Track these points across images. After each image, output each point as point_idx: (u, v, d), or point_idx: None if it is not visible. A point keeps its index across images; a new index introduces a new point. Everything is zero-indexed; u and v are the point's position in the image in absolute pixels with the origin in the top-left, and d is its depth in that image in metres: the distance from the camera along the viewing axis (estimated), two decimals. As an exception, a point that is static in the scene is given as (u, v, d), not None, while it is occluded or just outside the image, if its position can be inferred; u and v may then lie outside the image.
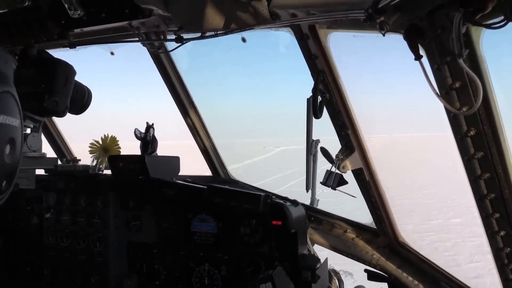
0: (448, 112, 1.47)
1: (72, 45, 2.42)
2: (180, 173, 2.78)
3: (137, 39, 2.40)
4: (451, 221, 13.01)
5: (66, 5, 1.97)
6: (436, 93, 1.43)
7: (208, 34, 2.03)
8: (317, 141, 2.44)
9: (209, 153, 2.89)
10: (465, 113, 1.38)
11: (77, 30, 2.23)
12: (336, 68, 1.94)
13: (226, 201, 2.30)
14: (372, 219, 2.46)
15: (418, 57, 1.39)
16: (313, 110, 1.94)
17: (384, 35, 1.36)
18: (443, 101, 1.42)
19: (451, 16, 1.16)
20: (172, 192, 2.49)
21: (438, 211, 14.45)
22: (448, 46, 1.26)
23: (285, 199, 2.46)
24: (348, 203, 2.53)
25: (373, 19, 1.18)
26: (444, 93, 1.41)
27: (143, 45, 2.44)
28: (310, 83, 2.06)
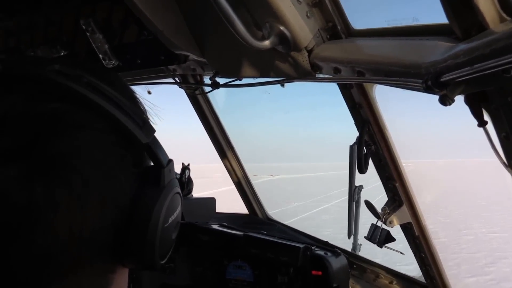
0: (517, 183, 1.28)
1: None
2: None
3: (173, 81, 2.35)
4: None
5: (100, 56, 1.94)
6: (504, 163, 1.25)
7: (245, 82, 1.94)
8: (360, 187, 2.28)
9: (247, 193, 2.79)
10: (540, 190, 1.19)
11: (112, 73, 2.22)
12: (382, 119, 1.78)
13: (263, 253, 2.19)
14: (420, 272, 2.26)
15: (482, 124, 1.22)
16: (358, 164, 1.79)
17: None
18: (512, 173, 1.24)
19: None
20: (206, 238, 2.40)
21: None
22: (520, 117, 1.09)
23: (326, 247, 2.32)
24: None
25: (432, 92, 1.04)
26: (513, 164, 1.23)
27: (180, 87, 2.39)
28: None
